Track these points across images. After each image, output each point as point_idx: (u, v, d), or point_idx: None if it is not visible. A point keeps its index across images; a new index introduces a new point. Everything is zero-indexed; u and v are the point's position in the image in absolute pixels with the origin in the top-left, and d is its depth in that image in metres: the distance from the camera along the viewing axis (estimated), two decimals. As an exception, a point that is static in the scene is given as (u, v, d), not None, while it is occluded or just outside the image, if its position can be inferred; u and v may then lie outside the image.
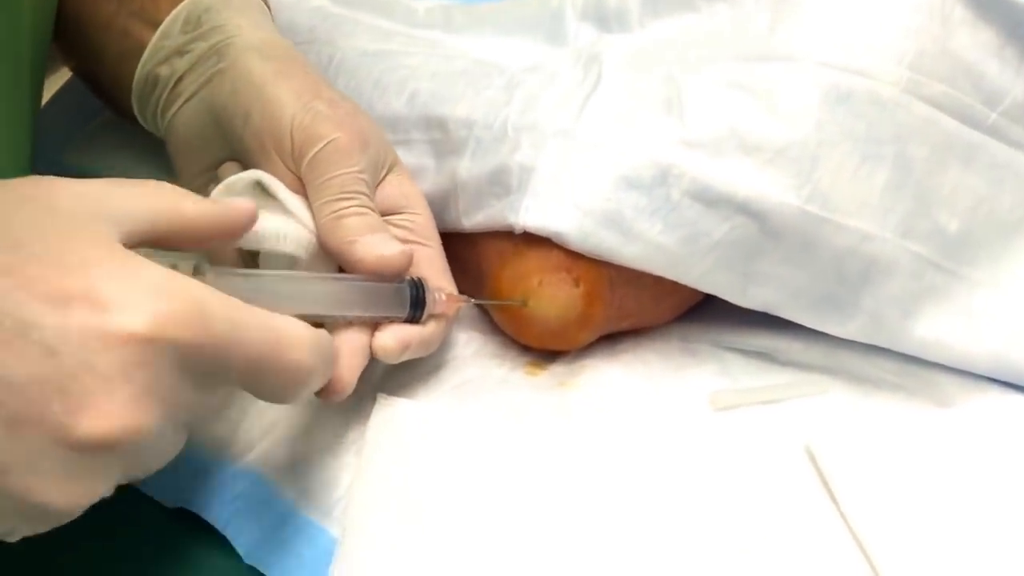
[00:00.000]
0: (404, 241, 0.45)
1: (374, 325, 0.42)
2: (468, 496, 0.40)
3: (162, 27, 0.48)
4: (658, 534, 0.40)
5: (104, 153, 0.61)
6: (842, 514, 0.41)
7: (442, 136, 0.48)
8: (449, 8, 0.57)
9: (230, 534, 0.39)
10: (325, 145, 0.42)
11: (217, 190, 0.42)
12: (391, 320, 0.42)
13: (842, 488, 0.41)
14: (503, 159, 0.46)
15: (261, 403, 0.43)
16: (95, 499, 0.30)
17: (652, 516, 0.40)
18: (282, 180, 0.43)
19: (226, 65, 0.46)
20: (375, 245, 0.41)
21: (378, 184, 0.45)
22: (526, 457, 0.42)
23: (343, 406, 0.44)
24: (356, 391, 0.44)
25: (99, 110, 0.62)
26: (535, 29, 0.55)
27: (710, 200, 0.44)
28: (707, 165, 0.44)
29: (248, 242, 0.41)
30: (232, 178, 0.42)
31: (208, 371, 0.31)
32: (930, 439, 0.44)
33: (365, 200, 0.43)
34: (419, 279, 0.42)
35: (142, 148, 0.58)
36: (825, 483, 0.42)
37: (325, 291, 0.40)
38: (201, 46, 0.47)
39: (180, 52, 0.47)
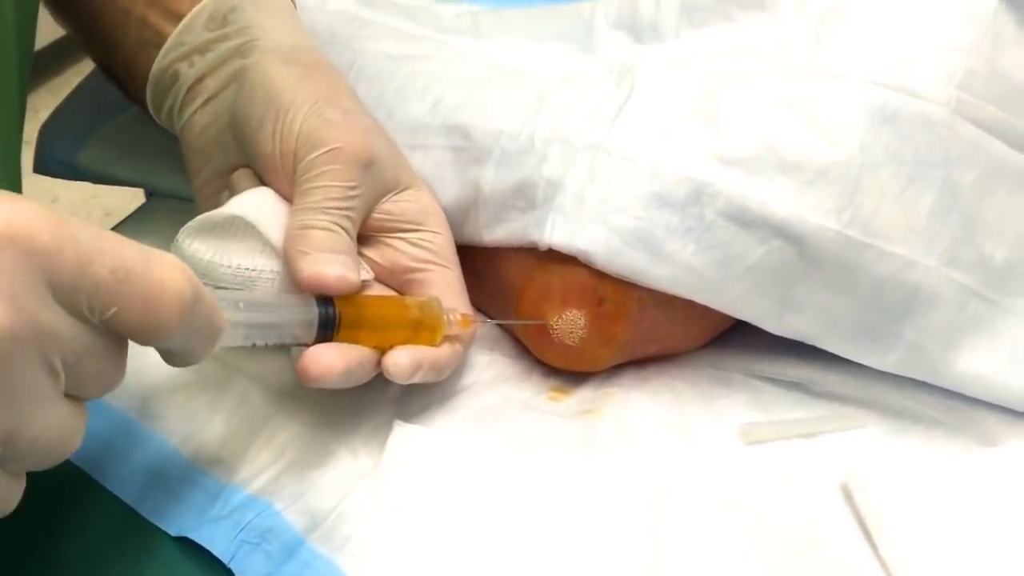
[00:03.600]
0: (422, 261, 0.43)
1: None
2: (486, 531, 0.38)
3: (185, 21, 0.46)
4: (685, 574, 0.38)
5: (119, 155, 0.59)
6: (880, 557, 0.39)
7: (465, 144, 0.47)
8: (477, 14, 0.55)
9: (236, 567, 0.37)
10: (323, 152, 0.40)
11: (190, 226, 0.40)
12: (300, 343, 0.38)
13: (881, 528, 0.39)
14: (529, 172, 0.45)
15: (270, 426, 0.42)
16: None
17: (678, 555, 0.39)
18: (286, 193, 0.41)
19: (246, 68, 0.44)
20: (319, 262, 0.39)
21: (389, 199, 0.43)
22: (548, 493, 0.40)
23: (359, 431, 0.42)
24: (371, 416, 0.43)
25: (114, 112, 0.60)
26: (566, 37, 0.54)
27: (746, 221, 0.42)
28: (744, 184, 0.42)
29: (216, 278, 0.40)
30: (210, 214, 0.40)
31: (71, 286, 0.28)
32: (973, 479, 0.42)
33: (342, 218, 0.40)
34: (329, 298, 0.39)
35: (157, 151, 0.57)
36: (862, 523, 0.40)
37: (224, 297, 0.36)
38: (225, 47, 0.45)
39: (202, 50, 0.46)
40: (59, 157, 0.60)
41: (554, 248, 0.44)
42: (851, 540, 0.40)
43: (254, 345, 0.37)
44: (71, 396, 0.30)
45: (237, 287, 0.40)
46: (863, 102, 0.43)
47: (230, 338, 0.35)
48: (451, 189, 0.47)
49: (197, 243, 0.40)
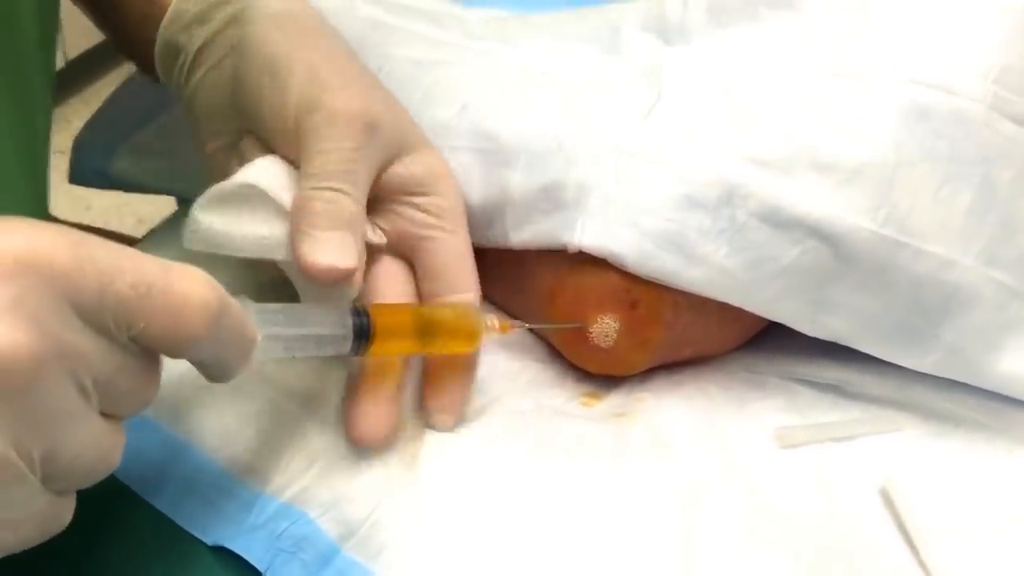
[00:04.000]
0: (428, 227, 0.43)
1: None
2: (518, 540, 0.38)
3: None
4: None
5: (150, 164, 0.60)
6: (921, 562, 0.38)
7: (492, 147, 0.46)
8: (503, 19, 0.55)
9: (272, 576, 0.38)
10: (321, 116, 0.40)
11: (203, 199, 0.40)
12: (336, 354, 0.38)
13: (922, 534, 0.39)
14: (557, 174, 0.44)
15: (302, 434, 0.42)
16: None
17: (712, 561, 0.38)
18: (293, 159, 0.41)
19: (244, 36, 0.43)
20: (317, 245, 0.38)
21: (395, 161, 0.43)
22: (580, 502, 0.40)
23: (390, 440, 0.42)
24: (404, 424, 0.43)
25: (144, 121, 0.61)
26: (592, 40, 0.53)
27: (779, 222, 0.42)
28: (776, 185, 0.42)
29: (235, 249, 0.40)
30: (221, 185, 0.40)
31: (94, 306, 0.28)
32: (1017, 482, 0.41)
33: (345, 183, 0.39)
34: (363, 307, 0.38)
35: (187, 157, 0.57)
36: (903, 528, 0.39)
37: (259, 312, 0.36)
38: (222, 14, 0.45)
39: (201, 20, 0.46)
40: (92, 167, 0.61)
41: (584, 250, 0.43)
42: (891, 545, 0.39)
43: (294, 357, 0.37)
44: (107, 415, 0.30)
45: (255, 256, 0.40)
46: (896, 100, 0.42)
47: (269, 350, 0.36)
48: (478, 191, 0.46)
49: (211, 215, 0.40)
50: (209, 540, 0.39)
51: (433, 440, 0.41)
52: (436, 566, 0.37)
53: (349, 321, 0.38)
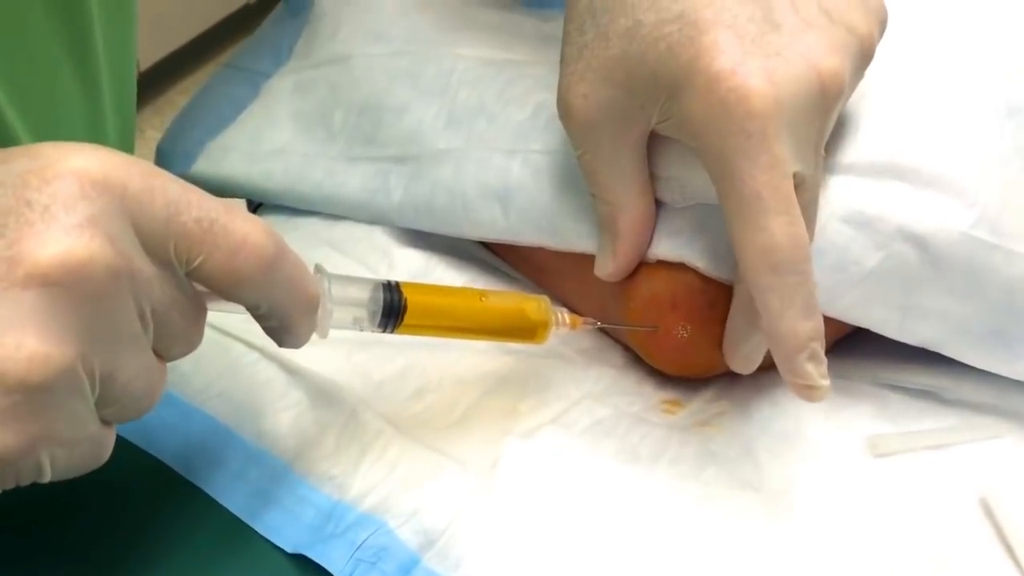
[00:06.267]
0: None
1: None
2: (601, 553, 0.37)
3: None
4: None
5: (229, 165, 0.59)
6: (1024, 577, 0.37)
7: (567, 149, 0.46)
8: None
9: (353, 586, 0.37)
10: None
11: None
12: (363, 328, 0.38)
13: (1024, 547, 0.37)
14: None
15: (380, 442, 0.42)
16: (58, 361, 0.27)
17: (803, 573, 0.37)
18: None
19: None
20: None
21: None
22: (665, 511, 0.39)
23: (468, 447, 0.42)
24: (481, 432, 0.42)
25: (224, 124, 0.60)
26: None
27: (861, 224, 0.40)
28: (859, 186, 0.40)
29: None
30: None
31: (160, 234, 0.29)
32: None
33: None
34: (396, 283, 0.38)
35: (273, 160, 0.57)
36: (1004, 540, 0.38)
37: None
38: None
39: None
40: (174, 172, 0.61)
41: (660, 258, 0.42)
42: (991, 559, 0.38)
43: (361, 329, 0.38)
44: (155, 352, 0.31)
45: None
46: (984, 95, 0.41)
47: (340, 320, 0.37)
48: (551, 194, 0.46)
49: None
50: (288, 547, 0.39)
51: (511, 447, 0.41)
52: (517, 576, 0.37)
53: (380, 296, 0.38)
